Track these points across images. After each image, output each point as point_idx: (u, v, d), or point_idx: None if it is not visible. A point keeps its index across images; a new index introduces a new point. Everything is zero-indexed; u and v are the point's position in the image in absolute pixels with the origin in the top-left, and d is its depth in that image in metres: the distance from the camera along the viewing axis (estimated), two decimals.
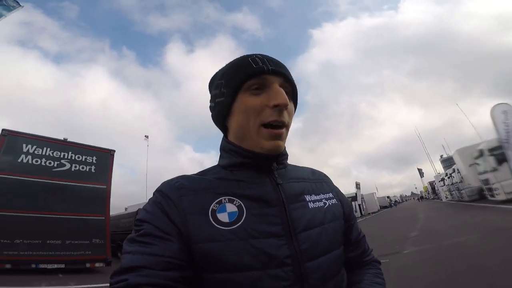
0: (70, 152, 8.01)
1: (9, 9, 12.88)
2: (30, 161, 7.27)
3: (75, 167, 8.00)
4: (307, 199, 0.59)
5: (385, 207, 55.40)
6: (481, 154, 14.32)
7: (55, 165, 7.67)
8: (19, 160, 7.12)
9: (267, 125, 0.55)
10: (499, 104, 12.19)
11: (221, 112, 0.60)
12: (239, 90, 0.57)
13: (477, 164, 15.27)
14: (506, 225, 6.68)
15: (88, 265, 7.50)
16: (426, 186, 60.91)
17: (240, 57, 0.62)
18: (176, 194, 0.53)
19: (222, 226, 0.50)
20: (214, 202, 0.53)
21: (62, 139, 8.24)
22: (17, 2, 13.07)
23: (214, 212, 0.51)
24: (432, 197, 48.99)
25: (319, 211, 0.59)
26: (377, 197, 55.02)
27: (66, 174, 7.75)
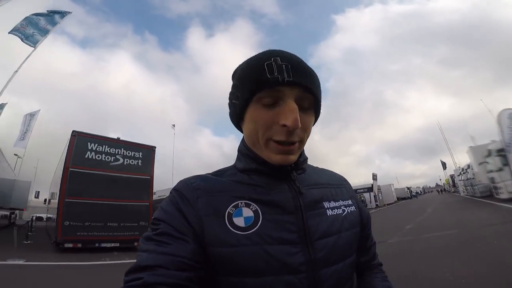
0: (122, 149, 9.97)
1: (62, 15, 14.91)
2: (94, 157, 9.28)
3: (127, 161, 9.97)
4: (326, 206, 0.58)
5: (404, 198, 55.23)
6: (489, 153, 14.92)
7: (112, 160, 9.68)
8: (86, 156, 9.14)
9: (275, 141, 0.53)
10: (506, 109, 12.76)
11: (235, 114, 0.58)
12: (251, 98, 0.53)
13: (487, 162, 15.85)
14: (491, 222, 7.76)
15: (136, 244, 9.01)
16: (447, 179, 59.68)
17: (260, 55, 0.55)
18: (193, 194, 0.53)
19: (238, 231, 0.50)
20: (231, 206, 0.52)
21: (116, 137, 10.24)
22: (66, 11, 15.01)
23: (230, 215, 0.51)
24: (452, 190, 48.29)
25: (336, 219, 0.58)
26: (396, 188, 54.88)
27: (120, 167, 9.73)
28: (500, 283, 3.23)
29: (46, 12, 14.65)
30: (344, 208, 0.61)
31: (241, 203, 0.53)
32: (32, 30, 13.50)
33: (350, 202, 0.64)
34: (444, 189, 67.94)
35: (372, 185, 36.45)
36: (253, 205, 0.53)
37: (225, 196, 0.54)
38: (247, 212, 0.52)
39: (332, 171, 0.73)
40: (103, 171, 9.33)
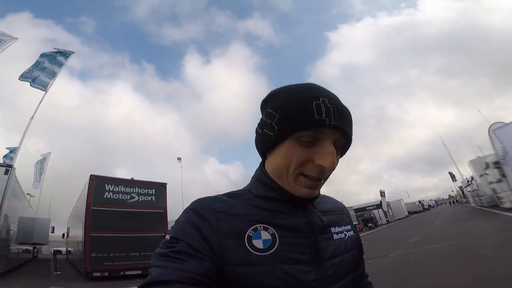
0: (136, 188, 10.79)
1: (66, 56, 16.20)
2: (111, 197, 10.11)
3: (141, 198, 10.76)
4: (333, 231, 0.64)
5: (416, 212, 54.27)
6: (487, 166, 15.40)
7: (128, 198, 10.47)
8: (105, 196, 9.97)
9: (305, 175, 0.55)
10: (495, 123, 13.36)
11: (266, 144, 0.59)
12: (290, 134, 0.54)
13: (487, 174, 16.24)
14: (489, 232, 8.21)
15: None
16: (458, 190, 58.83)
17: (305, 92, 0.55)
18: (214, 217, 0.54)
19: (257, 252, 0.52)
20: (250, 229, 0.55)
21: (130, 178, 11.12)
22: (70, 51, 16.25)
23: (250, 238, 0.54)
24: (464, 201, 47.53)
25: (341, 242, 0.64)
26: (407, 203, 54.19)
27: (136, 203, 10.51)
28: None
29: (51, 52, 15.79)
30: (346, 233, 0.67)
31: (260, 226, 0.55)
32: (39, 73, 14.59)
33: (349, 227, 0.70)
34: (456, 200, 66.61)
35: (381, 201, 36.39)
36: (270, 229, 0.55)
37: (245, 219, 0.56)
38: (266, 235, 0.54)
39: (333, 198, 0.78)
40: (121, 208, 10.10)
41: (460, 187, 49.43)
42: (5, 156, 18.06)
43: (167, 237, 0.53)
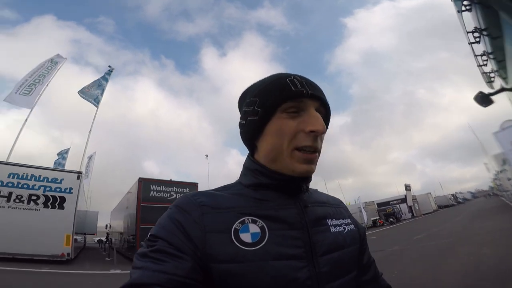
0: (174, 187, 13.00)
1: (108, 75, 18.66)
2: (155, 195, 12.39)
3: (178, 196, 12.83)
4: (329, 224, 0.60)
5: (447, 206, 52.51)
6: (504, 162, 15.57)
7: (168, 196, 12.70)
8: (150, 195, 12.27)
9: (300, 149, 0.55)
10: (506, 121, 13.59)
11: (253, 131, 0.60)
12: (275, 111, 0.56)
13: (506, 170, 16.39)
14: (493, 229, 8.84)
15: None
16: (494, 182, 55.74)
17: (277, 75, 0.61)
18: (198, 211, 0.53)
19: (245, 247, 0.50)
20: (237, 222, 0.52)
21: (169, 179, 13.37)
22: (110, 67, 18.74)
23: (237, 231, 0.51)
24: (500, 194, 45.26)
25: (339, 236, 0.60)
26: (437, 196, 52.61)
27: (174, 200, 12.72)
28: None
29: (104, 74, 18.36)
30: (345, 226, 0.63)
31: (248, 219, 0.53)
32: (94, 90, 17.22)
33: (349, 221, 0.66)
34: (493, 193, 63.04)
35: (405, 196, 36.19)
36: (259, 222, 0.53)
37: (231, 212, 0.54)
38: (254, 228, 0.52)
39: (328, 194, 0.75)
40: (163, 204, 12.31)
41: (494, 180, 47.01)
42: (60, 155, 21.37)
43: (148, 235, 0.52)
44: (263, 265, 0.49)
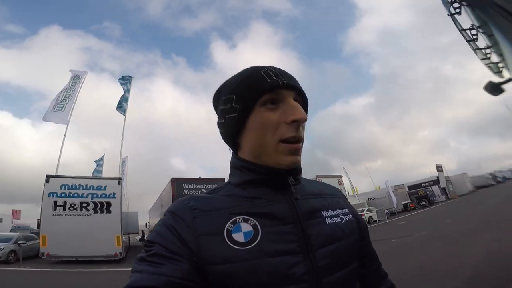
0: (204, 184, 13.79)
1: (127, 84, 19.39)
2: (188, 193, 13.22)
3: None
4: (324, 215, 0.59)
5: (485, 186, 49.64)
6: None
7: (199, 193, 13.52)
8: (183, 193, 13.14)
9: (284, 141, 0.55)
10: None
11: (233, 128, 0.59)
12: (253, 105, 0.56)
13: None
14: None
15: None
16: None
17: (250, 69, 0.61)
18: (190, 215, 0.53)
19: (238, 246, 0.50)
20: (229, 222, 0.52)
21: (198, 177, 14.22)
22: (129, 76, 19.50)
23: (229, 232, 0.51)
24: None
25: (336, 227, 0.58)
26: (473, 176, 49.79)
27: None
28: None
29: (121, 82, 18.65)
30: (342, 217, 0.62)
31: (239, 218, 0.53)
32: (121, 102, 18.02)
33: (347, 210, 0.65)
34: None
35: (438, 177, 34.83)
36: (251, 220, 0.53)
37: (222, 213, 0.53)
38: (246, 227, 0.52)
39: (324, 183, 0.74)
40: None
41: None
42: (97, 162, 23.15)
43: (145, 241, 0.52)
44: (258, 263, 0.49)
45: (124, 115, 18.04)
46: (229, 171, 0.65)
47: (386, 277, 0.72)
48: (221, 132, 0.64)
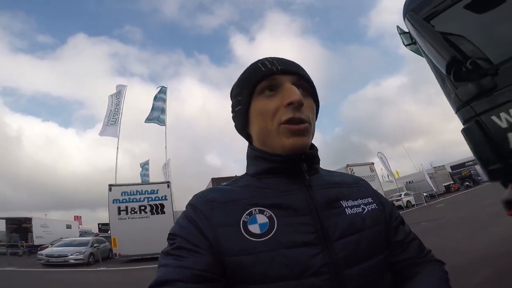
0: None
1: (163, 92, 19.83)
2: None
3: None
4: (344, 205, 0.57)
5: None
6: None
7: None
8: None
9: (284, 123, 0.55)
10: None
11: (241, 119, 0.61)
12: (252, 95, 0.58)
13: None
14: None
15: None
16: None
17: (252, 63, 0.63)
18: (208, 207, 0.54)
19: (254, 238, 0.50)
20: (245, 214, 0.52)
21: (235, 176, 15.27)
22: (164, 86, 20.15)
23: (245, 224, 0.51)
24: None
25: (357, 217, 0.56)
26: None
27: None
28: None
29: (156, 94, 19.37)
30: (364, 207, 0.59)
31: (255, 210, 0.53)
32: (157, 113, 18.87)
33: (370, 199, 0.62)
34: None
35: None
36: (267, 211, 0.53)
37: (238, 205, 0.54)
38: (262, 219, 0.52)
39: (346, 173, 0.74)
40: None
41: None
42: (142, 166, 25.26)
43: (168, 234, 0.54)
44: (275, 255, 0.48)
45: (164, 125, 19.01)
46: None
47: (434, 262, 0.62)
48: (235, 126, 0.67)
